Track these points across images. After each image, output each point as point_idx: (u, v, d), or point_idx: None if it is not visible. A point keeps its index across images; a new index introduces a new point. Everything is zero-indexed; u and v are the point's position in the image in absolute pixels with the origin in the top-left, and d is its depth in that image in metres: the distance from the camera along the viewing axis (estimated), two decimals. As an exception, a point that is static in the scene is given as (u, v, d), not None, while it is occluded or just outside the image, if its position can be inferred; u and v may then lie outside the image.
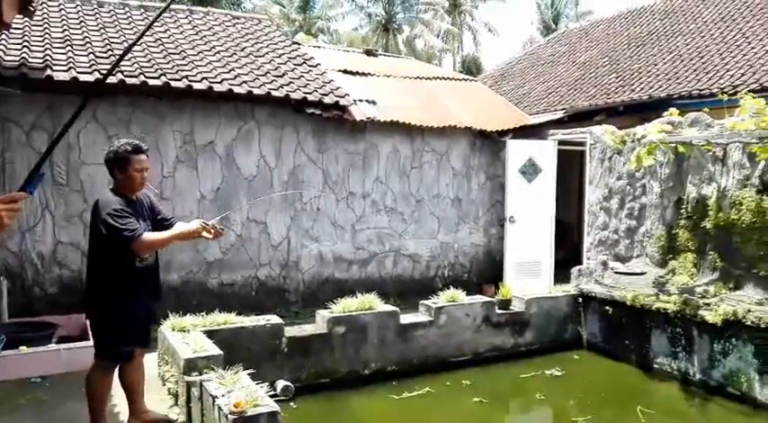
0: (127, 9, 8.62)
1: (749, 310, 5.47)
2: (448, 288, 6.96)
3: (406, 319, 6.27)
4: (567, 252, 9.72)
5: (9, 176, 6.10)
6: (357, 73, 9.25)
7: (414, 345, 6.24)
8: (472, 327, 6.58)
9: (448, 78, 10.58)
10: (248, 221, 7.26)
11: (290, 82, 7.56)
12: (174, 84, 6.51)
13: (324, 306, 6.18)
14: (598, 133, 7.92)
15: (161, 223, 3.84)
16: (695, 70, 9.79)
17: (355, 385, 5.77)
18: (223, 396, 3.70)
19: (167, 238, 3.69)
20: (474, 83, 11.33)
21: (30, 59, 6.17)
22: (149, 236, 3.59)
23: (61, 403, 4.46)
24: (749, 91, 6.87)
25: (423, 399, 5.54)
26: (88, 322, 3.88)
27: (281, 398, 4.93)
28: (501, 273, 8.60)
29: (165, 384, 4.81)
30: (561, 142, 8.88)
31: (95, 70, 6.27)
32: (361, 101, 8.07)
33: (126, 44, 7.31)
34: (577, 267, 7.57)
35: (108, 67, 6.47)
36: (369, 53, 10.97)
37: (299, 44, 9.90)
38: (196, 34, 8.42)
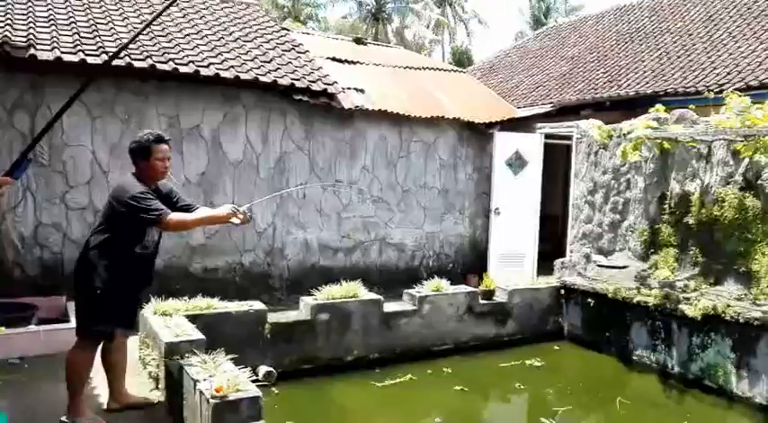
0: (113, -11, 8.46)
1: (728, 305, 5.57)
2: (432, 278, 7.00)
3: (389, 307, 6.30)
4: (551, 244, 9.79)
5: (-11, 156, 5.98)
6: (346, 61, 9.19)
7: (397, 333, 6.27)
8: (455, 316, 6.62)
9: (437, 69, 10.56)
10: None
11: (278, 68, 7.49)
12: (159, 66, 6.42)
13: (308, 293, 6.18)
14: (585, 127, 7.97)
15: (181, 210, 3.85)
16: (682, 68, 9.87)
17: (338, 372, 5.80)
18: (205, 380, 3.68)
19: (197, 220, 3.81)
20: (463, 74, 11.32)
21: (12, 38, 6.04)
22: (177, 216, 3.66)
23: (40, 384, 4.42)
24: (735, 90, 6.94)
25: (405, 386, 5.58)
26: (74, 300, 3.82)
27: (264, 383, 4.93)
28: (485, 263, 8.64)
29: (145, 368, 4.78)
30: (548, 136, 8.92)
31: (80, 50, 6.16)
32: (349, 89, 8.02)
33: (112, 25, 7.19)
34: (560, 260, 7.64)
35: (93, 48, 6.36)
36: (358, 41, 10.89)
37: (287, 30, 9.81)
38: (183, 17, 8.30)
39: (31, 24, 6.51)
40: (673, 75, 9.82)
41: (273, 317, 5.70)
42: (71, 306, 5.67)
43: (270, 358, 5.53)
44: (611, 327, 6.74)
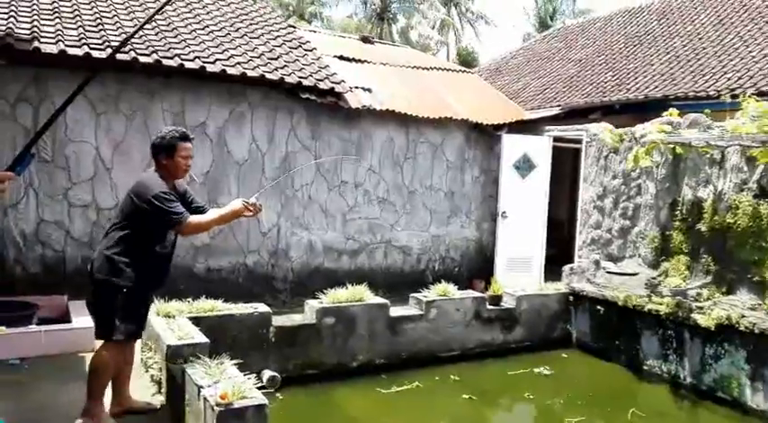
0: (119, -18, 8.34)
1: (743, 316, 5.45)
2: (438, 282, 6.87)
3: (396, 311, 6.18)
4: (558, 249, 9.68)
5: (-9, 151, 5.86)
6: (353, 60, 9.08)
7: (403, 338, 6.15)
8: (462, 322, 6.50)
9: (445, 69, 10.45)
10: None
11: (285, 65, 7.38)
12: (165, 62, 6.30)
13: (312, 296, 6.06)
14: (595, 131, 7.86)
15: (194, 211, 3.74)
16: (692, 72, 9.75)
17: (343, 378, 5.67)
18: (209, 386, 3.57)
19: (212, 221, 3.68)
20: (470, 75, 11.21)
21: (16, 30, 5.92)
22: (195, 218, 3.58)
23: (40, 386, 4.30)
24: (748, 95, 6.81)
25: (411, 393, 5.46)
26: (94, 302, 3.67)
27: (267, 389, 4.82)
28: (492, 268, 8.53)
29: (147, 371, 4.66)
30: (556, 139, 8.80)
31: (85, 44, 6.04)
32: (356, 88, 7.91)
33: (117, 19, 7.07)
34: (569, 265, 7.51)
35: (98, 42, 6.24)
36: (365, 40, 10.78)
37: (294, 27, 9.69)
38: (189, 12, 8.18)
39: (36, 17, 6.39)
40: (683, 79, 9.69)
41: (278, 320, 5.57)
42: (72, 305, 5.57)
43: (274, 362, 5.41)
44: (620, 335, 6.61)
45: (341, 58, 8.94)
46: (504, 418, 5.88)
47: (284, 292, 7.41)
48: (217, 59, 6.76)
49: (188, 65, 6.40)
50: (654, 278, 6.73)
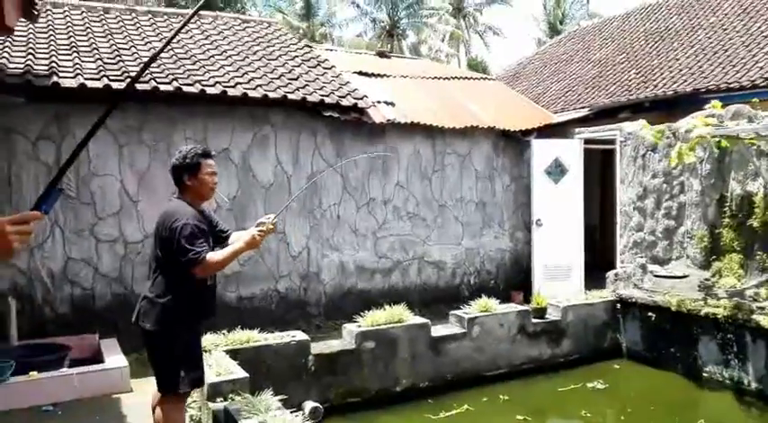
0: (134, 15, 8.32)
1: (812, 314, 5.08)
2: (474, 296, 6.62)
3: (437, 331, 5.92)
4: (590, 255, 9.33)
5: (15, 191, 5.77)
6: (372, 74, 8.92)
7: (446, 359, 5.88)
8: (507, 338, 6.21)
9: (465, 78, 10.24)
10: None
11: (306, 85, 7.23)
12: (186, 89, 6.18)
13: (347, 318, 5.84)
14: (630, 129, 7.56)
15: (219, 236, 3.43)
16: (721, 64, 9.41)
17: (387, 404, 5.42)
18: (255, 426, 3.35)
19: (229, 257, 3.15)
20: (492, 81, 10.98)
21: (35, 66, 5.86)
22: (213, 257, 3.10)
23: (76, 434, 4.11)
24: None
25: (462, 418, 5.17)
26: (149, 352, 3.29)
27: (310, 421, 4.58)
28: (529, 279, 8.22)
29: (186, 411, 4.44)
30: (587, 141, 8.50)
31: (104, 76, 5.95)
32: (379, 102, 7.73)
33: (134, 50, 7.00)
34: (613, 271, 7.19)
35: (117, 73, 6.15)
36: (381, 55, 10.65)
37: (311, 47, 9.58)
38: (206, 38, 8.11)
39: (53, 52, 6.33)
40: (712, 71, 9.36)
41: (316, 347, 5.35)
42: (104, 344, 5.41)
43: (315, 392, 5.18)
44: (675, 342, 6.25)
45: (360, 73, 8.79)
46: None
47: (318, 316, 7.18)
48: (237, 83, 6.63)
49: (209, 90, 6.28)
50: (707, 279, 6.38)
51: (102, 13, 8.11)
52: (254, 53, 7.95)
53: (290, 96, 6.73)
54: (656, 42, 11.98)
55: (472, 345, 6.00)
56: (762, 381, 5.51)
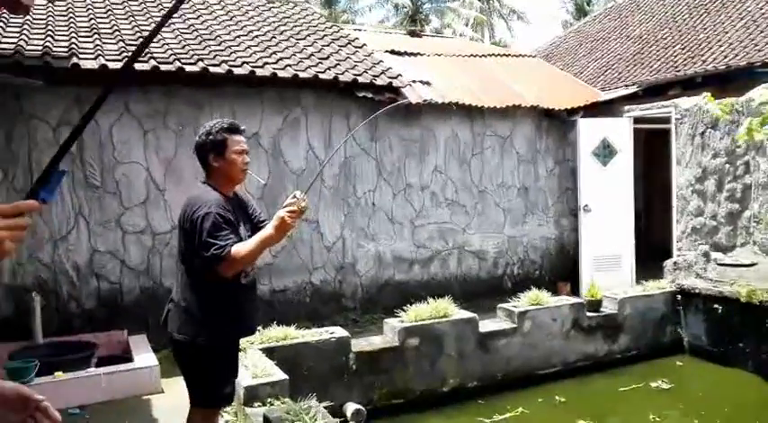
0: (156, -4, 7.96)
1: None
2: (517, 288, 6.17)
3: (485, 326, 5.48)
4: (636, 242, 8.78)
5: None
6: (405, 53, 8.45)
7: (496, 356, 5.44)
8: (560, 333, 5.75)
9: (504, 55, 9.71)
10: (299, 221, 6.52)
11: (337, 64, 6.80)
12: (212, 69, 5.80)
13: (385, 312, 5.44)
14: (686, 106, 6.98)
15: (258, 228, 2.84)
16: (776, 35, 8.73)
17: (434, 405, 5.02)
18: (299, 438, 2.97)
19: (257, 248, 2.57)
20: (533, 58, 10.40)
21: (54, 48, 5.53)
22: (239, 251, 2.55)
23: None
24: None
25: (518, 422, 4.73)
26: (178, 362, 2.85)
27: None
28: (575, 268, 7.73)
29: (221, 416, 4.10)
30: (637, 120, 7.94)
31: (126, 58, 5.59)
32: (414, 82, 7.27)
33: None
34: (672, 260, 6.66)
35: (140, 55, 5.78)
36: (412, 34, 10.17)
37: (340, 26, 9.14)
38: (230, 19, 7.72)
39: (73, 35, 6.00)
40: (766, 43, 8.69)
41: (357, 344, 4.96)
42: (133, 341, 5.11)
43: (357, 393, 4.80)
44: (745, 336, 5.72)
45: (392, 52, 8.33)
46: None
47: (354, 310, 6.80)
48: (266, 63, 6.24)
49: (237, 71, 5.89)
50: (779, 268, 5.83)
51: (123, -6, 7.75)
52: (282, 33, 7.54)
53: (321, 76, 6.32)
54: (700, 16, 11.26)
55: (523, 341, 5.56)
56: None
